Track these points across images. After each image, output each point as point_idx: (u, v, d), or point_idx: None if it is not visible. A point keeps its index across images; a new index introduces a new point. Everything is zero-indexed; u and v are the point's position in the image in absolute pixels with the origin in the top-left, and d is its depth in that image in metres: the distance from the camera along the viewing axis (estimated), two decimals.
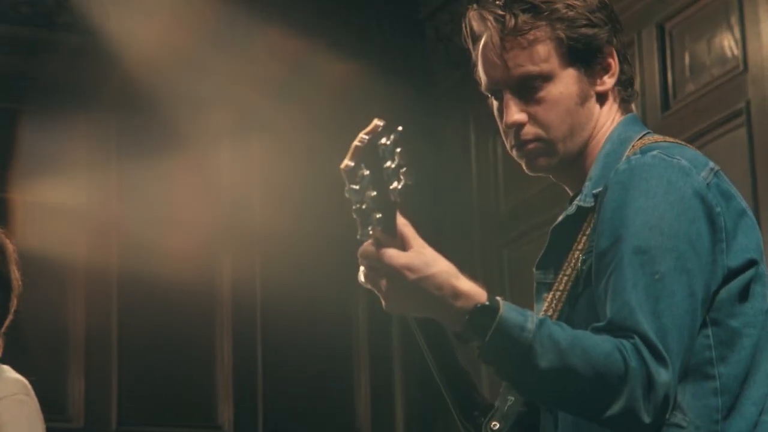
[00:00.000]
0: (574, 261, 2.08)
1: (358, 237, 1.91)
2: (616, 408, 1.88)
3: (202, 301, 5.49)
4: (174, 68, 5.28)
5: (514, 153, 2.17)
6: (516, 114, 2.13)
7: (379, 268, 1.91)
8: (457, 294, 1.91)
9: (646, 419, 1.89)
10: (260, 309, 5.55)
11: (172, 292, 5.36)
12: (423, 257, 1.90)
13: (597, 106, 2.16)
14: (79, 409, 5.10)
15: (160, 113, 5.29)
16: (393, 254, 1.90)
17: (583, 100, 2.14)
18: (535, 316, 1.91)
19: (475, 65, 2.19)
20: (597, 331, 1.94)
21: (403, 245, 1.92)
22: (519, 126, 2.13)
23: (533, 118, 2.13)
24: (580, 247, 2.08)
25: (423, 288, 1.90)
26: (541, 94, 2.12)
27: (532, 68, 2.11)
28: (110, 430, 5.22)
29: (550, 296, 2.10)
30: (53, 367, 4.97)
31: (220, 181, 5.57)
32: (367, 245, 1.92)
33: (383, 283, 1.91)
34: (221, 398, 5.42)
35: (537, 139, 2.13)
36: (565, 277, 2.08)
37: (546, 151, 2.13)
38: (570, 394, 1.92)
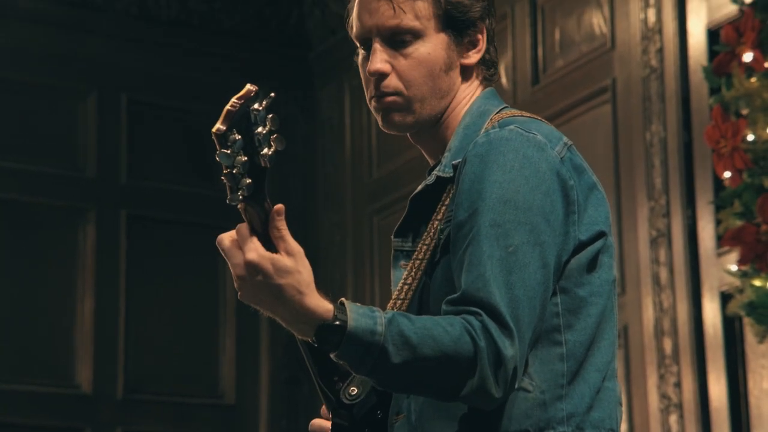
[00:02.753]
0: (433, 230, 2.11)
1: (228, 201, 1.92)
2: (468, 388, 1.93)
3: (66, 262, 5.44)
4: None
5: (372, 104, 2.18)
6: (380, 63, 2.15)
7: (238, 253, 1.94)
8: (302, 311, 1.92)
9: (497, 394, 1.94)
10: (124, 270, 5.52)
11: (35, 257, 5.31)
12: (276, 264, 1.91)
13: (459, 78, 2.19)
14: None
15: None
16: (253, 247, 1.92)
17: (448, 67, 2.17)
18: (384, 316, 1.94)
19: (349, 16, 2.21)
20: (451, 303, 1.98)
21: (273, 240, 1.93)
22: (381, 76, 2.15)
23: (397, 72, 2.15)
24: (439, 216, 2.12)
25: (267, 294, 1.92)
26: (410, 49, 2.15)
27: (408, 21, 2.14)
28: None
29: (410, 265, 2.13)
30: None
31: None
32: (242, 226, 1.93)
33: (239, 267, 1.94)
34: (80, 359, 5.38)
35: (396, 92, 2.15)
36: (425, 246, 2.12)
37: (402, 107, 2.16)
38: (425, 383, 1.97)
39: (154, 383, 5.51)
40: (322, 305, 1.93)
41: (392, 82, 2.16)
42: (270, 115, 1.90)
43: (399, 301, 2.11)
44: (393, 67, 2.16)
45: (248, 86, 1.91)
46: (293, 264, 1.92)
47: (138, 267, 5.55)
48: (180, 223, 5.70)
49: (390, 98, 2.16)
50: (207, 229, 5.69)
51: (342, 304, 1.95)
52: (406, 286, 2.12)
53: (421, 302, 2.10)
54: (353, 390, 2.12)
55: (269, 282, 1.91)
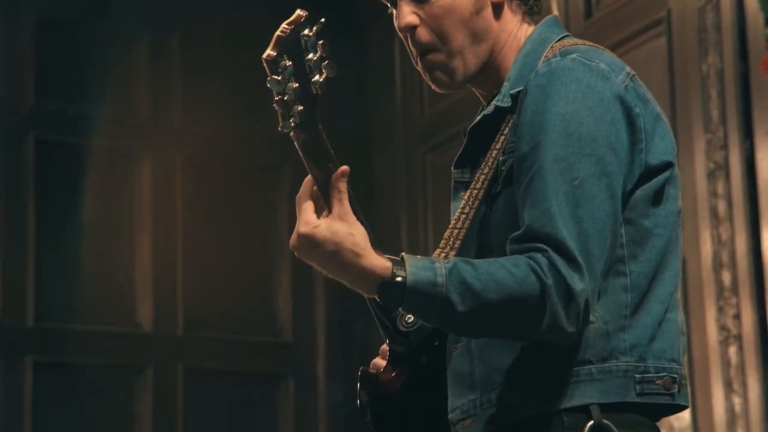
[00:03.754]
0: (491, 161, 2.11)
1: (280, 129, 1.92)
2: (540, 327, 1.93)
3: (121, 194, 5.48)
4: None
5: (419, 67, 2.17)
6: (407, 16, 2.13)
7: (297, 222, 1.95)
8: (361, 272, 1.93)
9: (570, 329, 1.94)
10: (181, 208, 5.55)
11: (90, 198, 5.35)
12: (330, 231, 1.92)
13: (493, 17, 2.16)
14: None
15: None
16: (305, 221, 1.92)
17: (478, 9, 2.14)
18: (444, 266, 1.94)
19: None
20: (516, 241, 1.97)
21: (330, 200, 1.93)
22: (412, 30, 2.13)
23: (426, 24, 2.13)
24: (497, 146, 2.11)
25: (325, 261, 1.94)
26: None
27: None
28: (25, 327, 5.22)
29: (467, 195, 2.13)
30: None
31: None
32: (302, 192, 1.94)
33: (294, 236, 1.95)
34: (141, 298, 5.43)
35: (433, 47, 2.13)
36: (483, 176, 2.11)
37: (444, 66, 2.14)
38: (495, 327, 1.97)
39: (213, 321, 5.56)
40: (380, 264, 1.94)
41: (423, 33, 2.13)
42: (320, 42, 1.90)
43: (456, 231, 2.11)
44: (421, 19, 2.13)
45: (298, 12, 1.90)
46: (346, 228, 1.93)
47: (194, 207, 5.58)
48: (235, 163, 5.70)
49: (430, 56, 2.14)
50: (261, 168, 5.74)
51: (402, 259, 1.95)
52: (464, 216, 2.12)
53: (480, 232, 2.09)
54: (409, 318, 2.13)
55: (325, 250, 1.92)
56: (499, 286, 1.92)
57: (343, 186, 1.94)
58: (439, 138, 5.57)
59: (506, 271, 1.93)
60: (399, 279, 1.92)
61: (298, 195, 1.97)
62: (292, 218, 5.95)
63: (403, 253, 1.96)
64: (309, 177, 1.97)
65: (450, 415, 2.10)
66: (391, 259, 1.94)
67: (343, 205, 1.94)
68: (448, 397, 2.11)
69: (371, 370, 2.19)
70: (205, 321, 5.55)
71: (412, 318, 2.13)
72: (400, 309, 2.08)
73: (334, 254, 1.92)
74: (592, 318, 2.00)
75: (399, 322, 2.13)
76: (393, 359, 2.15)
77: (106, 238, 5.42)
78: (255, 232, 5.72)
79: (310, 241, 1.92)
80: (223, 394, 5.52)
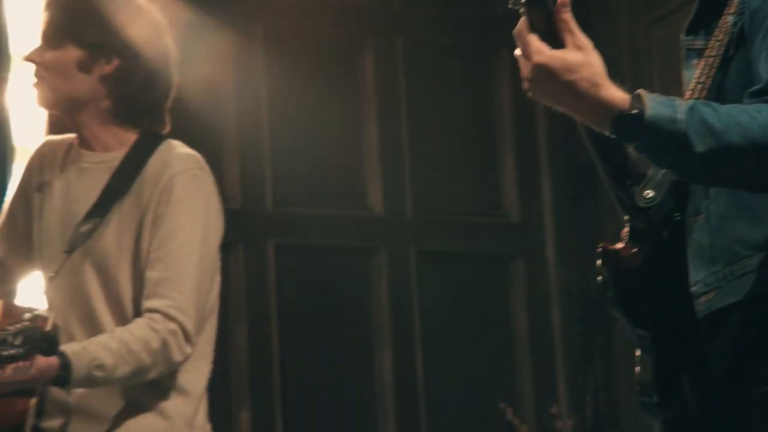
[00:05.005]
0: (725, 25, 2.04)
1: (509, 6, 1.90)
2: None
3: (348, 81, 5.53)
4: None
5: None
6: None
7: (526, 55, 1.90)
8: (597, 103, 1.89)
9: None
10: (404, 95, 5.58)
11: (321, 87, 5.41)
12: (566, 61, 1.88)
13: None
14: (236, 191, 5.25)
15: None
16: (537, 49, 1.88)
17: None
18: (684, 104, 1.88)
19: None
20: (754, 95, 1.91)
21: (561, 34, 1.89)
22: None
23: None
24: (731, 10, 2.04)
25: (561, 92, 1.89)
26: None
27: None
28: (266, 212, 5.36)
29: (702, 63, 2.07)
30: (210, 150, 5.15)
31: None
32: (521, 25, 1.90)
33: (527, 69, 1.90)
34: (370, 183, 5.50)
35: None
36: (717, 42, 2.05)
37: None
38: (733, 173, 1.92)
39: (440, 203, 5.61)
40: (618, 95, 1.90)
41: None
42: None
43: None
44: None
45: None
46: (583, 57, 1.90)
47: (416, 91, 5.59)
48: (454, 46, 5.68)
49: None
50: (484, 50, 5.71)
51: (638, 94, 1.90)
52: (699, 85, 2.06)
53: (716, 100, 2.03)
54: (648, 193, 2.10)
55: (561, 80, 1.89)
56: (742, 129, 1.87)
57: (568, 16, 1.90)
58: (665, 8, 5.42)
59: (749, 116, 1.88)
60: (636, 111, 1.88)
61: (515, 30, 1.92)
62: (512, 95, 5.86)
63: (640, 90, 1.92)
64: (522, 19, 1.92)
65: (692, 288, 2.08)
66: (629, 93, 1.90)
67: (575, 35, 1.90)
68: (690, 270, 2.07)
69: (612, 247, 2.16)
70: (434, 203, 5.58)
71: (652, 193, 2.09)
72: (632, 171, 2.04)
73: (571, 84, 1.89)
74: None
75: (638, 197, 2.10)
76: (633, 235, 2.13)
77: (336, 126, 5.47)
78: (478, 114, 5.71)
79: (545, 71, 1.89)
80: (454, 275, 5.57)
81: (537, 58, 1.88)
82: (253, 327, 5.19)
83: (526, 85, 1.93)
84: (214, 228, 2.94)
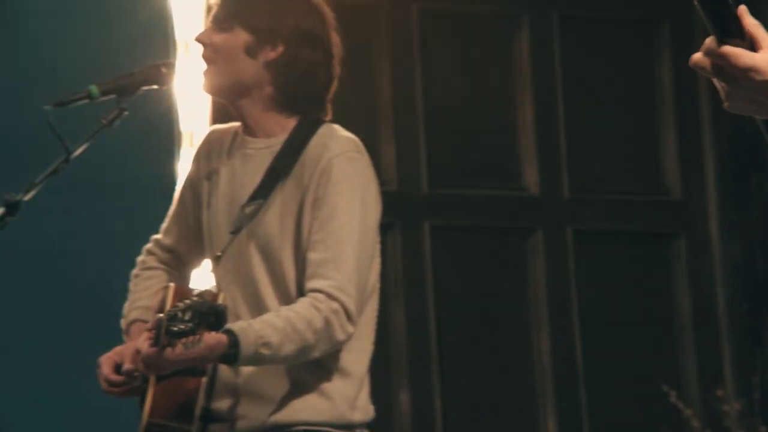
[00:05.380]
0: None
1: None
2: None
3: (502, 59, 5.48)
4: None
5: None
6: None
7: (723, 66, 1.81)
8: None
9: None
10: (560, 72, 5.50)
11: (475, 65, 5.38)
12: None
13: None
14: (392, 173, 5.26)
15: None
16: (739, 53, 1.79)
17: None
18: None
19: None
20: None
21: (751, 45, 1.80)
22: None
23: None
24: None
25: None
26: None
27: None
28: (421, 193, 5.34)
29: None
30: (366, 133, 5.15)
31: None
32: (710, 41, 1.81)
33: (724, 82, 1.82)
34: (526, 162, 5.45)
35: None
36: None
37: None
38: None
39: (598, 182, 5.52)
40: None
41: None
42: None
43: None
44: None
45: None
46: None
47: (573, 68, 5.52)
48: (612, 21, 5.59)
49: None
50: (644, 23, 5.60)
51: None
52: None
53: None
54: None
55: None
56: None
57: (754, 22, 1.81)
58: None
59: None
60: None
61: (704, 51, 1.83)
62: (673, 68, 5.76)
63: None
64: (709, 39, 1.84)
65: None
66: None
67: (764, 36, 1.81)
68: None
69: None
70: (591, 183, 5.50)
71: None
72: None
73: None
74: None
75: None
76: None
77: (490, 104, 5.43)
78: (637, 89, 5.60)
79: (756, 68, 1.80)
80: (612, 255, 5.48)
81: (742, 61, 1.79)
82: (410, 308, 5.19)
83: (727, 96, 1.84)
84: (373, 209, 2.99)
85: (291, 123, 3.02)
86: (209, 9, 3.13)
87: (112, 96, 2.98)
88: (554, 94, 5.47)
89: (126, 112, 2.98)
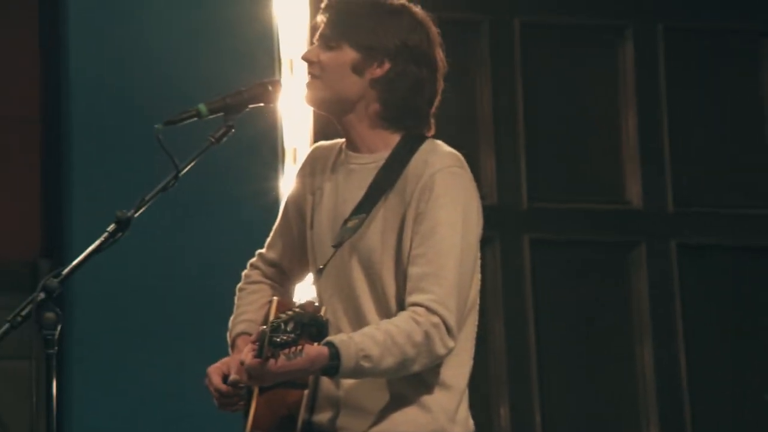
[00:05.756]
0: None
1: None
2: None
3: (606, 70, 5.48)
4: None
5: None
6: None
7: None
8: None
9: None
10: (664, 84, 5.47)
11: (577, 78, 5.38)
12: None
13: None
14: (492, 188, 5.26)
15: None
16: None
17: None
18: None
19: None
20: None
21: None
22: None
23: None
24: None
25: None
26: None
27: None
28: (521, 207, 5.35)
29: None
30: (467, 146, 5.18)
31: None
32: None
33: None
34: (629, 175, 5.42)
35: None
36: None
37: None
38: None
39: (704, 195, 5.47)
40: None
41: None
42: None
43: None
44: None
45: None
46: None
47: (677, 79, 5.48)
48: (718, 29, 5.56)
49: None
50: (747, 33, 5.55)
51: None
52: None
53: None
54: None
55: None
56: None
57: None
58: None
59: None
60: None
61: None
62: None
63: None
64: None
65: None
66: None
67: None
68: None
69: None
70: (696, 195, 5.46)
71: None
72: None
73: None
74: None
75: None
76: None
77: (594, 116, 5.43)
78: (742, 100, 5.54)
79: None
80: (719, 269, 5.43)
81: None
82: (509, 322, 5.19)
83: None
84: (474, 224, 2.98)
85: (395, 138, 3.03)
86: (314, 27, 3.14)
87: (220, 114, 3.01)
88: (659, 105, 5.44)
89: (233, 130, 3.01)
